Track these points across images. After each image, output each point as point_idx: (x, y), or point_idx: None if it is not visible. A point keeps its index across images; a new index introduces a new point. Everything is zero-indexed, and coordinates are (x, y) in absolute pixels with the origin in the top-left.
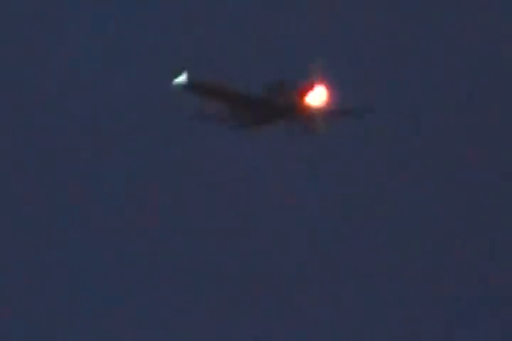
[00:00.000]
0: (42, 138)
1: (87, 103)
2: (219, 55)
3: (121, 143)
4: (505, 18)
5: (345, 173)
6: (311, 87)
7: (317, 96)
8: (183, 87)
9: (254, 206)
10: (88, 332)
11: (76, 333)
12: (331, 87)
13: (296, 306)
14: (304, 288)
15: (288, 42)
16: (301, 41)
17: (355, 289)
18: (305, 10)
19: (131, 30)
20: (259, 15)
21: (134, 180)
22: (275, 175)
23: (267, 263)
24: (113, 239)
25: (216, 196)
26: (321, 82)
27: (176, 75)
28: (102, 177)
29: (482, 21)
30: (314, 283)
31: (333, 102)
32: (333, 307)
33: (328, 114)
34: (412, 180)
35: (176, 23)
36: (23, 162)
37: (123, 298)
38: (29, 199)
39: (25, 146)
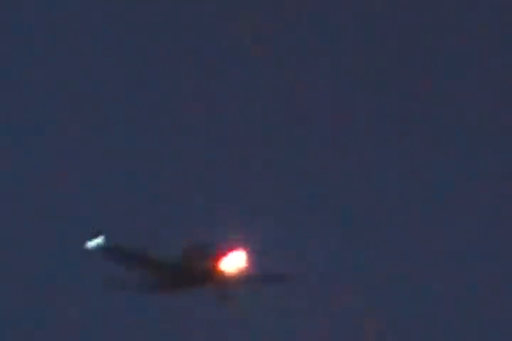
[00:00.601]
0: None
1: None
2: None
3: None
4: None
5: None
6: (228, 252)
7: (234, 262)
8: (99, 248)
9: None
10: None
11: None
12: (253, 252)
13: None
14: None
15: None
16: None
17: None
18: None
19: None
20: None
21: None
22: None
23: None
24: None
25: None
26: (241, 246)
27: (92, 237)
28: None
29: None
30: None
31: (254, 268)
32: None
33: (247, 280)
34: None
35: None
36: None
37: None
38: None
39: None
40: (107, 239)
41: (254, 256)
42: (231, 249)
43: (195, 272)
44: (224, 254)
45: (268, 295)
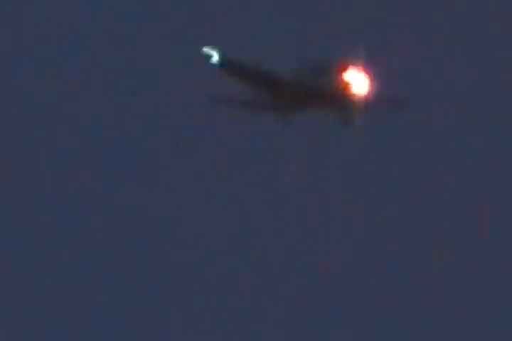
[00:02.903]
0: None
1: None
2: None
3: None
4: None
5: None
6: (350, 71)
7: (358, 82)
8: (218, 65)
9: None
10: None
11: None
12: (373, 73)
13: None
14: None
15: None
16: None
17: None
18: None
19: None
20: None
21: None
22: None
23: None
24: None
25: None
26: (362, 66)
27: (208, 52)
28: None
29: None
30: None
31: (375, 90)
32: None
33: (368, 102)
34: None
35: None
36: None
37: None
38: None
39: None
40: (221, 53)
41: (376, 79)
42: (353, 68)
43: (314, 90)
44: (346, 72)
45: (389, 122)
